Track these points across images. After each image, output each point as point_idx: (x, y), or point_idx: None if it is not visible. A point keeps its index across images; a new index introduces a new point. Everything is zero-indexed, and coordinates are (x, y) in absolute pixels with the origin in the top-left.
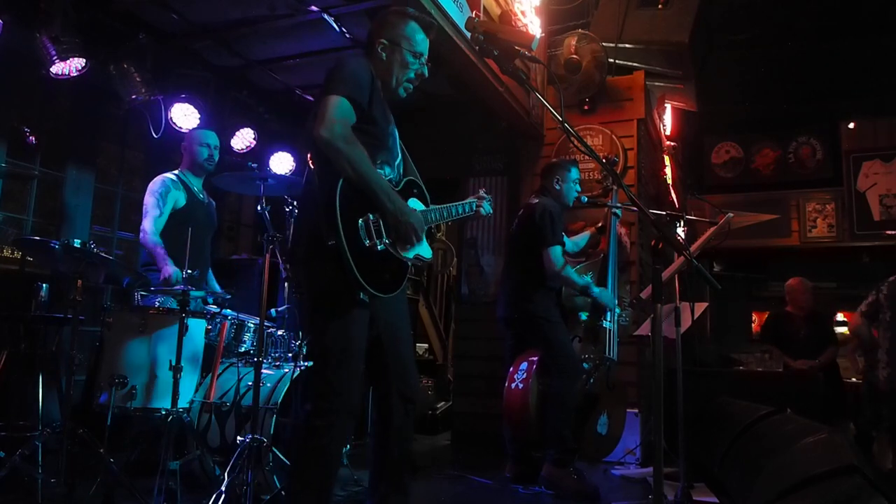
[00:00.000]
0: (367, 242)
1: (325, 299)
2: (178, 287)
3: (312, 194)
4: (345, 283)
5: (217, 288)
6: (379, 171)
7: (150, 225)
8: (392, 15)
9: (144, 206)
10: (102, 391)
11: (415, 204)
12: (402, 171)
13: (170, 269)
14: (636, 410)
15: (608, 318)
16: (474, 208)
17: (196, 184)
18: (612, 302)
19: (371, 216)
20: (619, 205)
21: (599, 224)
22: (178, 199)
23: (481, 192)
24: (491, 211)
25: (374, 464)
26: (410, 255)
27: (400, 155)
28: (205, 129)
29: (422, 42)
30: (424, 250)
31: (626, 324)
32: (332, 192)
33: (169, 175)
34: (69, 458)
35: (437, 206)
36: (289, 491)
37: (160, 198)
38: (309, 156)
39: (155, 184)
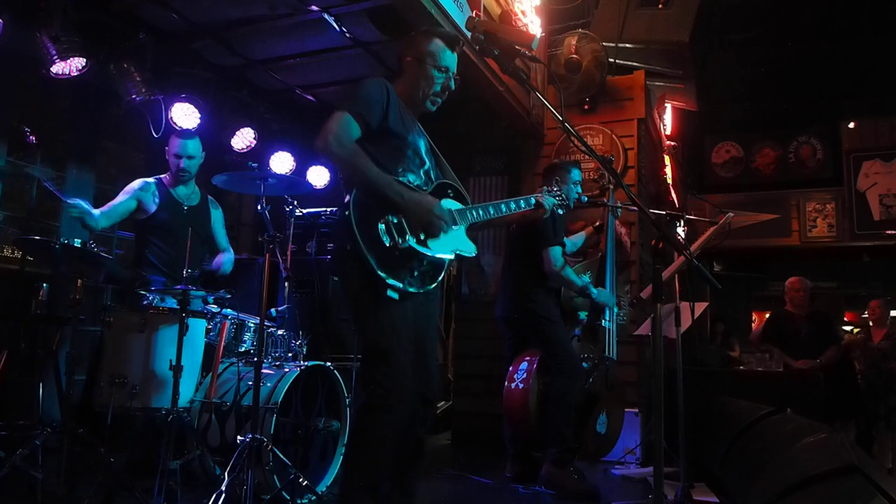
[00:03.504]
0: (389, 242)
1: (358, 299)
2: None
3: (339, 205)
4: (371, 283)
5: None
6: (401, 179)
7: (104, 207)
8: (419, 35)
9: None
10: (102, 391)
11: (450, 204)
12: (433, 176)
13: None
14: (636, 410)
15: (607, 318)
16: (532, 204)
17: (178, 189)
18: (611, 300)
19: (392, 218)
20: (619, 204)
21: (597, 223)
22: (146, 201)
23: (543, 190)
24: (554, 202)
25: None
26: (446, 250)
27: (429, 162)
28: (194, 132)
29: (448, 57)
30: (465, 246)
31: (624, 323)
32: (347, 201)
33: (149, 179)
34: (69, 458)
35: (481, 204)
36: (345, 479)
37: (126, 194)
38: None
39: (131, 184)
